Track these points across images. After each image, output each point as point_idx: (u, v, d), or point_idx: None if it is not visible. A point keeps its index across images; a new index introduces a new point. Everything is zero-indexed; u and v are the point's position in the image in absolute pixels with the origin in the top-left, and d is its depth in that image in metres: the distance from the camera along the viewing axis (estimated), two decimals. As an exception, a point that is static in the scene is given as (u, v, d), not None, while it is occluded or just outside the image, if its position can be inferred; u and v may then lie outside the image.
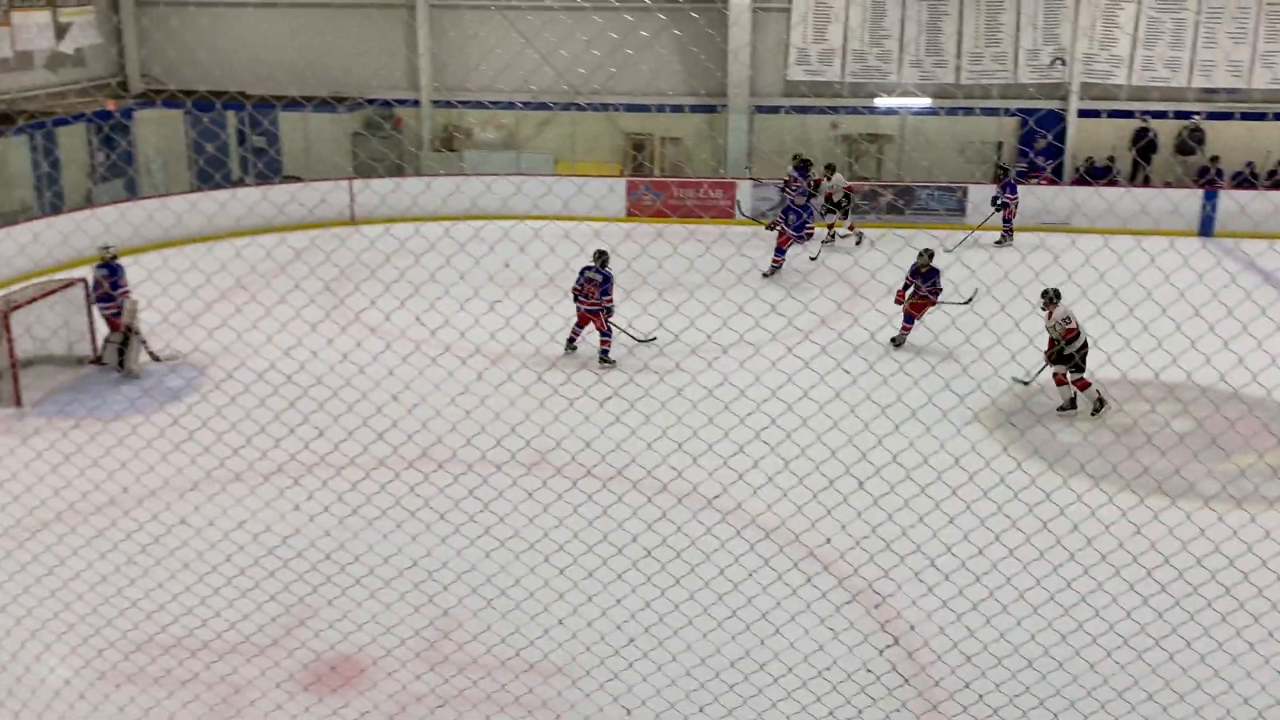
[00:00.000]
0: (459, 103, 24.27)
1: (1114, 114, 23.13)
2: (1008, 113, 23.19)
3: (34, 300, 13.60)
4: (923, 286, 14.17)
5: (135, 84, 24.84)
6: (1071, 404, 11.90)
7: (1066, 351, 11.53)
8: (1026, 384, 11.92)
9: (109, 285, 13.80)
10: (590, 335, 14.75)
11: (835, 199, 20.68)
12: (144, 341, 13.85)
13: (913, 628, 8.19)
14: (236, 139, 23.62)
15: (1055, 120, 23.33)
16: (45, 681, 7.83)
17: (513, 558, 8.30)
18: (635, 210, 22.59)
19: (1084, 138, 23.12)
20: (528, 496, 8.71)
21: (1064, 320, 11.50)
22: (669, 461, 8.45)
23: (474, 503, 8.50)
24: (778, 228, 18.64)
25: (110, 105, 22.10)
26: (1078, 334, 11.49)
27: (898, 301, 14.27)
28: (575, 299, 14.55)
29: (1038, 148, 23.06)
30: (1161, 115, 22.82)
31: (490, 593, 8.04)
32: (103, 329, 14.23)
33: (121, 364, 13.75)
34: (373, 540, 8.16)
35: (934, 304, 14.18)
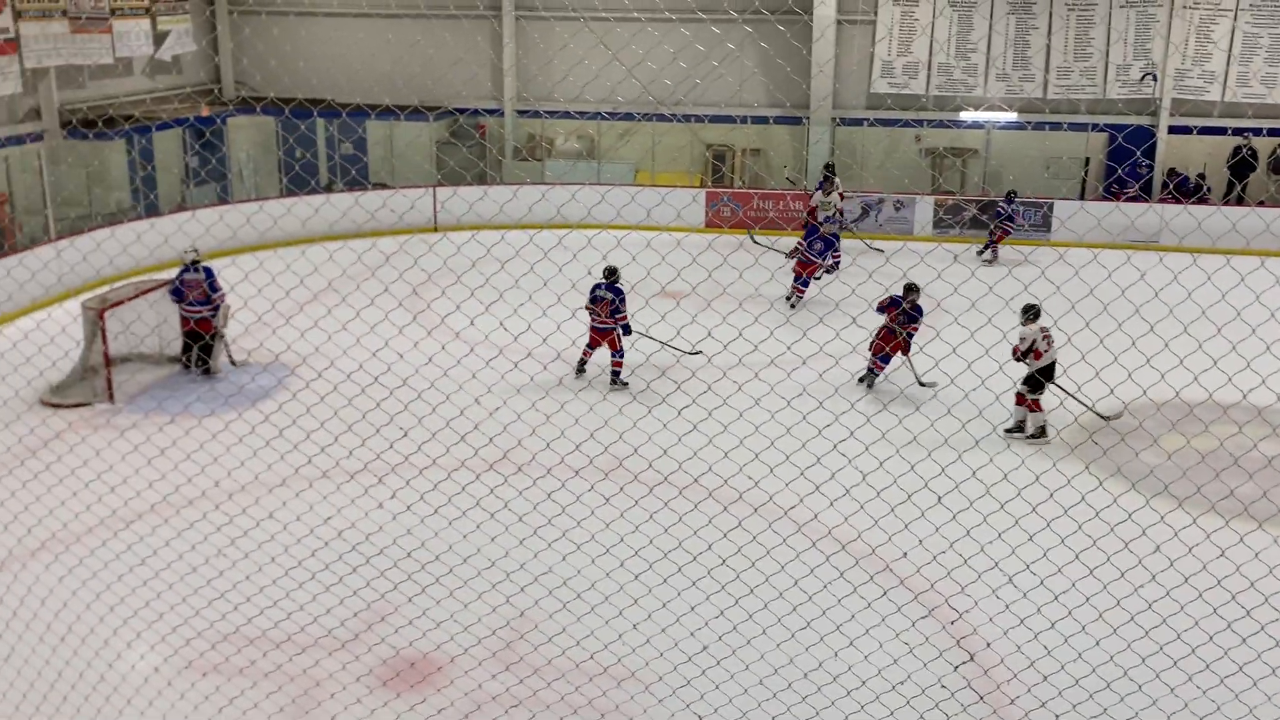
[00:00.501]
0: (543, 113, 24.53)
1: (1205, 131, 22.65)
2: (1096, 128, 22.85)
3: (129, 299, 14.03)
4: (903, 326, 12.83)
5: (229, 91, 25.50)
6: (1020, 427, 11.50)
7: (1030, 371, 11.41)
8: (1107, 419, 11.78)
9: (207, 288, 14.11)
10: (600, 355, 14.23)
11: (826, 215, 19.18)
12: (227, 344, 14.20)
13: (989, 645, 8.13)
14: (325, 146, 24.12)
15: (1145, 136, 22.94)
16: (135, 668, 8.10)
17: (589, 561, 8.38)
18: (715, 222, 22.66)
19: (1175, 154, 22.70)
20: (605, 502, 8.81)
21: (1040, 339, 11.29)
22: (745, 471, 8.48)
23: (552, 506, 8.63)
24: (798, 255, 17.01)
25: (205, 111, 22.74)
26: (1043, 355, 11.33)
27: (875, 351, 13.01)
28: (591, 317, 13.96)
29: (1130, 167, 22.64)
30: (1256, 132, 22.32)
31: (566, 596, 8.14)
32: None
33: (206, 365, 14.14)
34: (453, 540, 8.30)
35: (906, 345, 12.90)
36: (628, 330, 13.89)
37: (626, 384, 13.95)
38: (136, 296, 14.16)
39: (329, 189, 23.64)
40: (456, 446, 9.06)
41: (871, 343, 13.33)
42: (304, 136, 23.74)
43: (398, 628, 8.30)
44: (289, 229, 18.84)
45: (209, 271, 14.20)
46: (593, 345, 14.13)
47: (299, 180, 23.00)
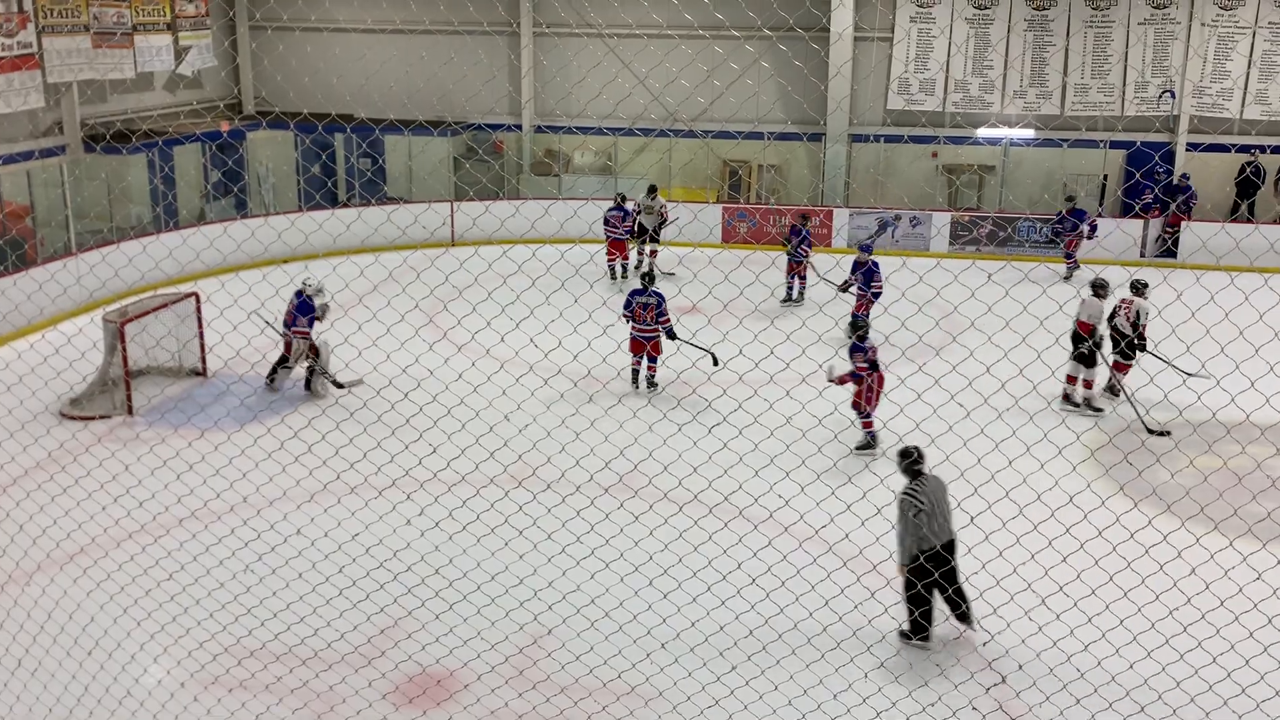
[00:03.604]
0: (559, 128, 24.57)
1: (1219, 148, 22.55)
2: (1114, 145, 22.81)
3: (150, 312, 14.05)
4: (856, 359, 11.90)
5: (248, 106, 25.61)
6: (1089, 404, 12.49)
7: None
8: (1166, 434, 12.03)
9: (294, 313, 13.79)
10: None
11: (652, 225, 19.61)
12: (324, 370, 13.70)
13: (1020, 666, 8.07)
14: (344, 160, 24.18)
15: (1165, 154, 22.88)
16: (160, 683, 8.07)
17: (617, 580, 8.35)
18: (730, 237, 22.65)
19: (1193, 172, 22.62)
20: (634, 519, 8.77)
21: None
22: (776, 489, 8.43)
23: (581, 523, 8.59)
24: (852, 288, 16.26)
25: (224, 126, 22.83)
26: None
27: (841, 381, 11.71)
28: (630, 325, 13.99)
29: (1162, 186, 22.52)
30: (1277, 150, 22.25)
31: (594, 614, 8.09)
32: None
33: (309, 385, 13.91)
34: (481, 556, 8.28)
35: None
36: (671, 335, 13.86)
37: (659, 387, 14.18)
38: (158, 309, 14.18)
39: (346, 204, 23.70)
40: (486, 463, 9.04)
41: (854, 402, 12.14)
42: (320, 152, 23.81)
43: (423, 644, 8.26)
44: (319, 243, 18.90)
45: (304, 304, 13.68)
46: (637, 352, 14.12)
47: (314, 195, 23.07)
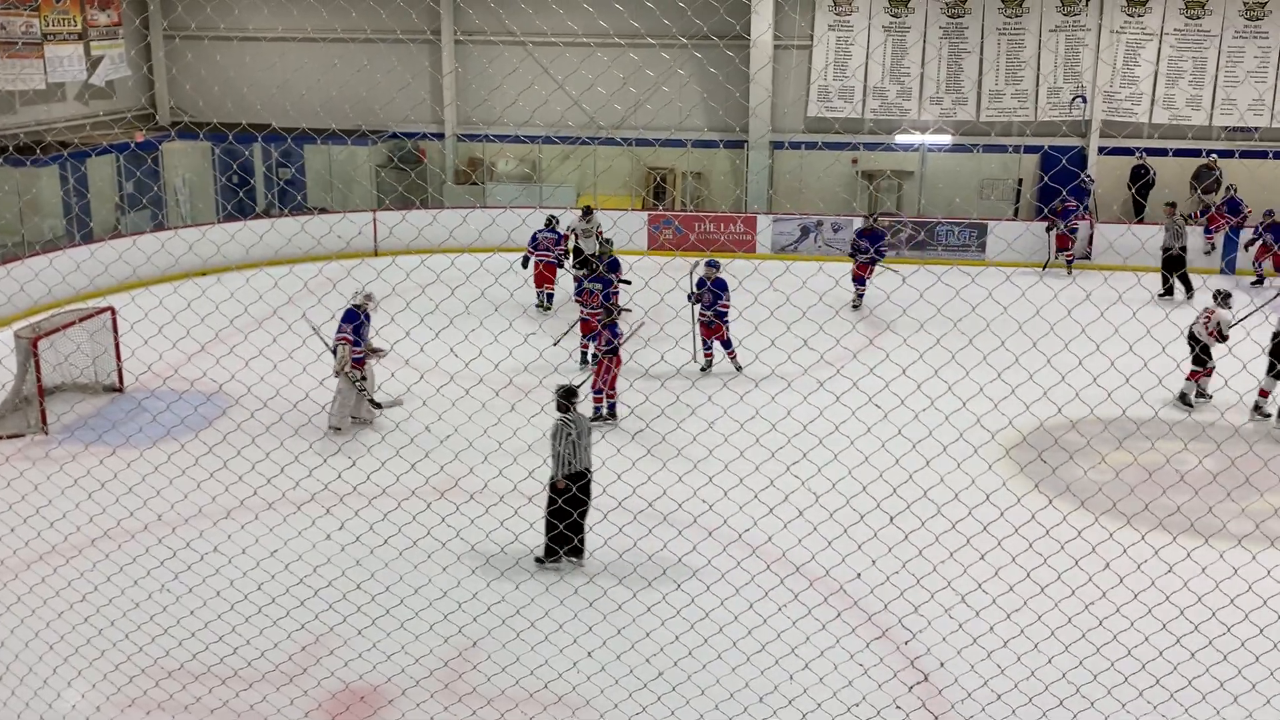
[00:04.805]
0: (483, 136, 24.45)
1: (1119, 151, 23.08)
2: (1027, 150, 23.25)
3: (64, 328, 13.72)
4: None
5: (164, 115, 25.16)
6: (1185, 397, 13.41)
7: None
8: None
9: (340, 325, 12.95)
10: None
11: (589, 249, 18.51)
12: (362, 390, 12.80)
13: (943, 664, 8.16)
14: (263, 170, 23.85)
15: (1076, 158, 23.38)
16: (76, 708, 7.87)
17: (543, 589, 8.32)
18: (653, 243, 22.69)
19: (1105, 175, 23.15)
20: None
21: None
22: (700, 495, 8.47)
23: (504, 534, 8.55)
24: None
25: (139, 136, 22.37)
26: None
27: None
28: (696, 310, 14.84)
29: (1074, 189, 22.91)
30: (1193, 154, 22.83)
31: (520, 625, 8.05)
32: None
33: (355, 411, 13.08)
34: (403, 570, 8.19)
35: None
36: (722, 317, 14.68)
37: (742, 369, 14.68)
38: (71, 325, 13.85)
39: (268, 214, 23.35)
40: (407, 475, 8.96)
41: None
42: (243, 161, 23.47)
43: (348, 661, 8.15)
44: (232, 255, 18.60)
45: (348, 313, 12.75)
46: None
47: (238, 206, 22.71)
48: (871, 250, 18.10)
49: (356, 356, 12.73)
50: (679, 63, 22.77)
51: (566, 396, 9.71)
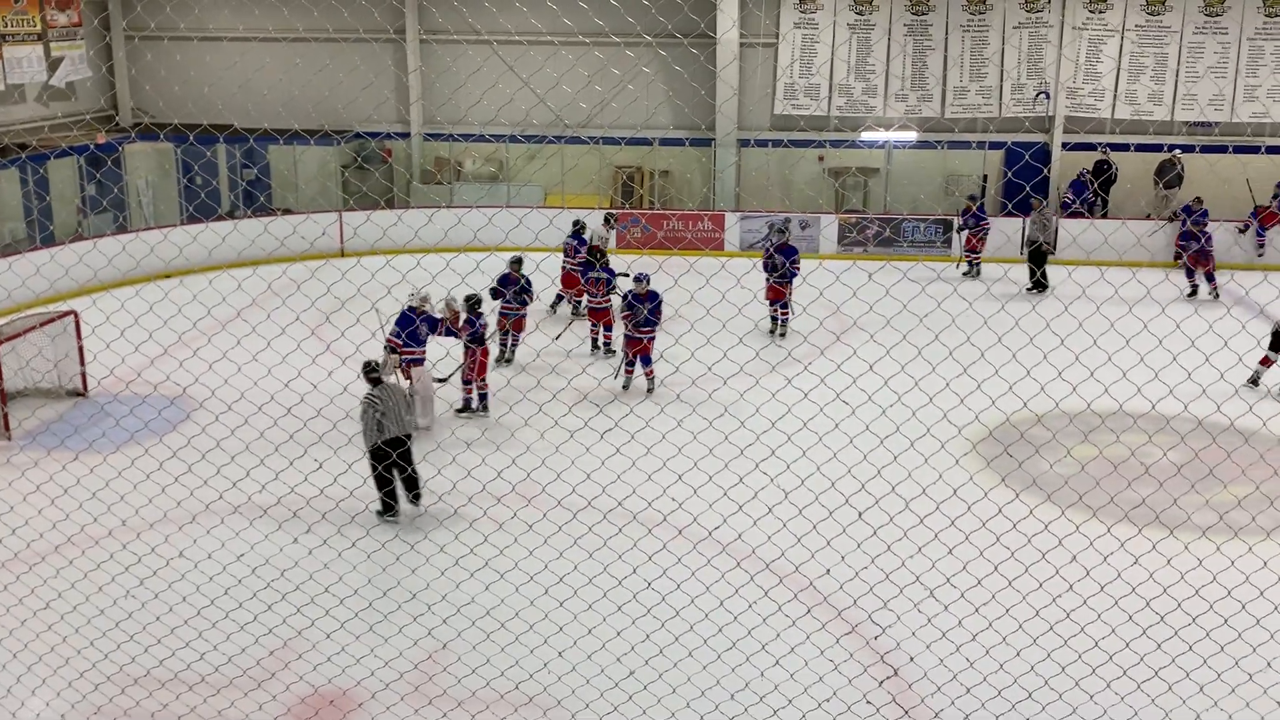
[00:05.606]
0: (450, 135, 24.35)
1: (1084, 146, 23.25)
2: (992, 146, 23.39)
3: (23, 333, 13.55)
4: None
5: (126, 117, 24.89)
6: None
7: None
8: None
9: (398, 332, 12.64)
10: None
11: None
12: (412, 396, 12.31)
13: (912, 659, 8.19)
14: (227, 171, 23.64)
15: (1041, 154, 23.55)
16: (40, 716, 7.78)
17: (512, 590, 8.29)
18: (621, 241, 22.64)
19: (1067, 170, 23.33)
20: (528, 529, 8.71)
21: None
22: (669, 493, 8.46)
23: (473, 535, 8.51)
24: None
25: (100, 138, 22.13)
26: None
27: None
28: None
29: (1077, 185, 22.99)
30: (1154, 149, 23.04)
31: (489, 626, 8.02)
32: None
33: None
34: (371, 573, 8.15)
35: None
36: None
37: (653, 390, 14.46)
38: (34, 329, 13.68)
39: (232, 215, 23.16)
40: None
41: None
42: (205, 163, 23.25)
43: (315, 664, 8.09)
44: (194, 257, 18.42)
45: (401, 316, 12.56)
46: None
47: (201, 208, 22.49)
48: (786, 265, 16.28)
49: (412, 358, 12.56)
50: (644, 61, 22.76)
51: (370, 371, 10.32)
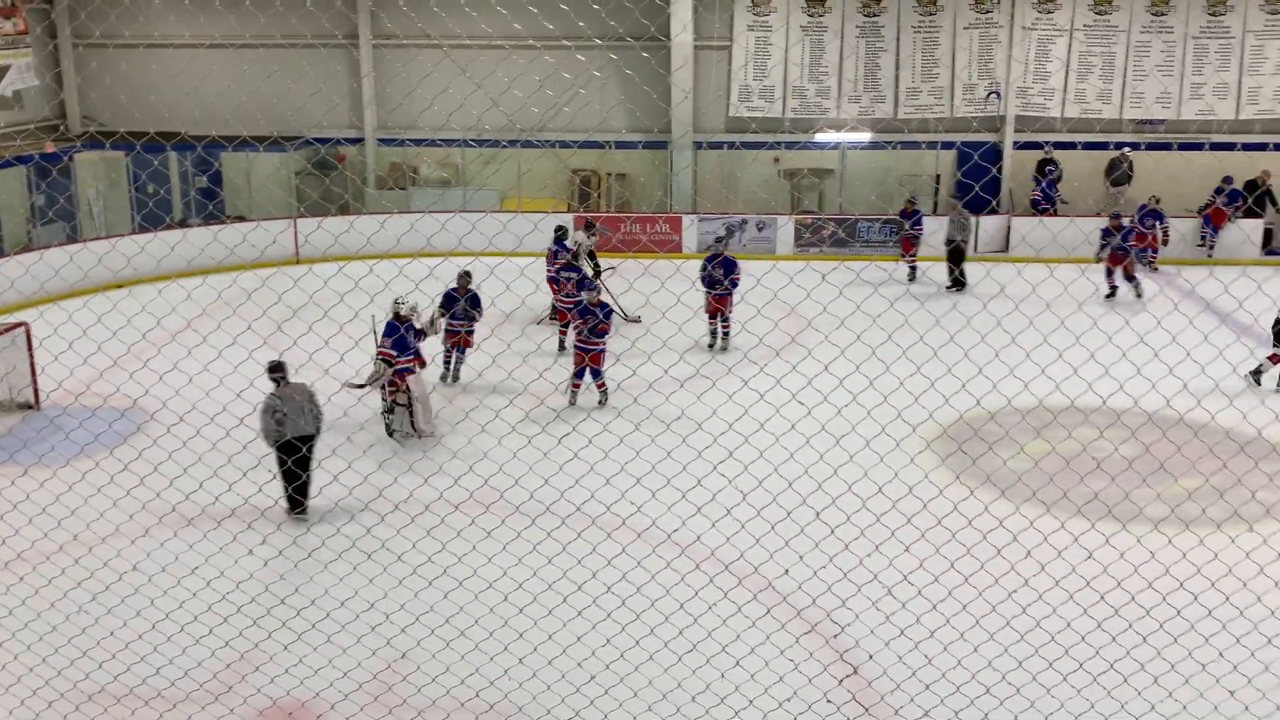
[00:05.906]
0: (404, 141, 24.22)
1: (1034, 146, 23.48)
2: (944, 146, 23.58)
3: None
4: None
5: (75, 125, 24.58)
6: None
7: None
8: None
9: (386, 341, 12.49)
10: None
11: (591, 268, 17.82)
12: (408, 404, 12.55)
13: (871, 657, 8.24)
14: (179, 179, 23.37)
15: (992, 153, 23.78)
16: (-7, 736, 7.65)
17: (471, 598, 8.25)
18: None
19: (1017, 169, 23.57)
20: (486, 535, 8.68)
21: None
22: (627, 497, 8.46)
23: (431, 543, 8.46)
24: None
25: (49, 147, 21.82)
26: None
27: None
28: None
29: (1047, 185, 23.16)
30: (1101, 146, 23.33)
31: (449, 634, 7.97)
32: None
33: (413, 426, 12.66)
34: (328, 584, 8.08)
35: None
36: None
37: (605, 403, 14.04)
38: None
39: (184, 224, 22.90)
40: (329, 487, 8.83)
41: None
42: (156, 171, 22.97)
43: (274, 677, 8.00)
44: (143, 267, 18.19)
45: (388, 325, 12.36)
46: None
47: (152, 216, 22.21)
48: (725, 280, 15.76)
49: (404, 367, 12.40)
50: (597, 65, 22.75)
51: (274, 370, 10.29)
